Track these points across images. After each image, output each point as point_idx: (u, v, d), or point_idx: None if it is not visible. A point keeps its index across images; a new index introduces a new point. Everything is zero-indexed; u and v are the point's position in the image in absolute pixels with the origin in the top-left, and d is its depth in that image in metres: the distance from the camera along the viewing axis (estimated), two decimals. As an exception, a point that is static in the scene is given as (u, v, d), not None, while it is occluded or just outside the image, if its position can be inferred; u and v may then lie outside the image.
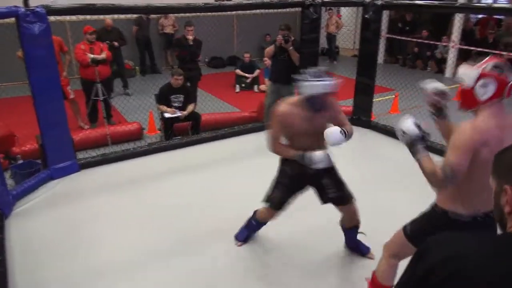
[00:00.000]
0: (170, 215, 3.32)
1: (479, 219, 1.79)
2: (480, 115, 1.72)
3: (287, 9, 6.63)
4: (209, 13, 6.41)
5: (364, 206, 3.25)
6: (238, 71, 7.94)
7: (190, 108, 5.07)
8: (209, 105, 6.31)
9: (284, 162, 2.62)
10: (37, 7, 3.41)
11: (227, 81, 8.18)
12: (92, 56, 5.25)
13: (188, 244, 2.99)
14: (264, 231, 3.01)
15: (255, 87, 7.79)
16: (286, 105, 2.47)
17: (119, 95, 6.93)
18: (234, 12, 9.42)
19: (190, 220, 3.26)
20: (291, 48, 4.95)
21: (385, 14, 9.69)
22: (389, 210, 3.36)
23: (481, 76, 1.70)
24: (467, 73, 1.76)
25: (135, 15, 8.17)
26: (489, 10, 5.68)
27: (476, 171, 1.71)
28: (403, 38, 9.95)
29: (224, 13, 8.17)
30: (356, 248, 2.87)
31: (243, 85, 7.84)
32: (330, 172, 2.62)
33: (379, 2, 4.75)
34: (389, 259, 2.11)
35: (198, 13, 5.53)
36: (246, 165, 4.20)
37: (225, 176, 3.98)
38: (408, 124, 1.88)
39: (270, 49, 5.13)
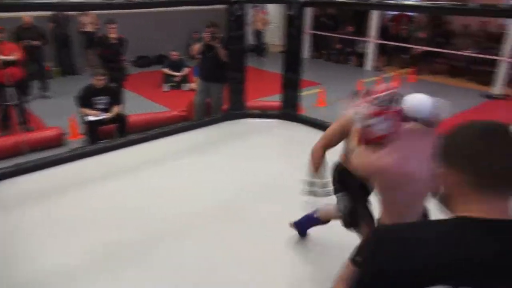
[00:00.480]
0: (100, 221, 3.16)
1: None
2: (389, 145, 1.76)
3: (214, 6, 6.60)
4: (130, 10, 6.15)
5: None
6: (166, 70, 7.75)
7: (115, 109, 4.84)
8: (137, 105, 6.09)
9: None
10: None
11: (155, 80, 7.94)
12: (1, 57, 4.81)
13: (134, 247, 2.87)
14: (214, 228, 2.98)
15: (184, 86, 7.66)
16: None
17: (37, 99, 6.44)
18: (159, 9, 9.16)
19: (127, 224, 3.12)
20: (218, 45, 4.94)
21: (309, 11, 10.03)
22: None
23: (371, 116, 1.75)
24: (359, 113, 1.81)
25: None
26: (402, 7, 6.10)
27: (389, 194, 1.81)
28: (327, 34, 10.39)
29: (147, 10, 7.90)
30: (303, 227, 2.89)
31: (172, 84, 7.66)
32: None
33: (301, -1, 4.89)
34: None
35: (120, 10, 5.28)
36: (177, 165, 4.13)
37: (158, 176, 3.88)
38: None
39: (197, 47, 5.09)
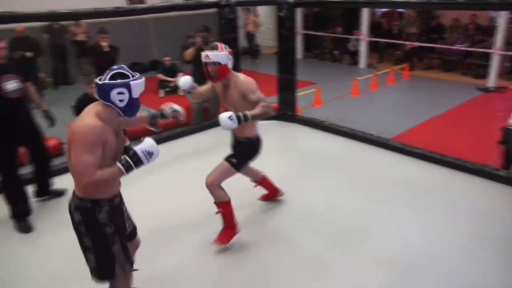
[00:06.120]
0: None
1: None
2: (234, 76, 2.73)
3: (205, 10, 6.60)
4: (120, 18, 6.15)
5: (291, 197, 3.37)
6: (160, 76, 7.74)
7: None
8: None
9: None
10: None
11: (150, 86, 7.89)
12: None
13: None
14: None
15: (180, 91, 7.65)
16: None
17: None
18: (150, 16, 9.16)
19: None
20: (212, 49, 4.93)
21: (299, 11, 10.07)
22: (316, 198, 3.51)
23: (229, 53, 2.67)
24: (219, 55, 2.63)
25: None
26: (393, 3, 6.12)
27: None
28: (318, 33, 10.42)
29: (140, 16, 7.90)
30: None
31: (167, 89, 7.66)
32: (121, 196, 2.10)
33: (292, 0, 4.90)
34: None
35: (111, 18, 5.28)
36: (179, 170, 4.12)
37: (160, 182, 3.87)
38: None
39: (190, 52, 5.07)
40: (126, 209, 2.11)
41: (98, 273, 1.94)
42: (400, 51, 9.80)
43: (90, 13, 4.20)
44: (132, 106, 1.88)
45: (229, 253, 2.86)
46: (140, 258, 2.33)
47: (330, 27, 10.49)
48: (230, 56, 2.66)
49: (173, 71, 7.76)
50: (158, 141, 4.80)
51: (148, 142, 1.85)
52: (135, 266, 2.17)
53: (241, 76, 2.74)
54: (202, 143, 4.80)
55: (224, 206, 2.78)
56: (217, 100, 5.32)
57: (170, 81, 7.67)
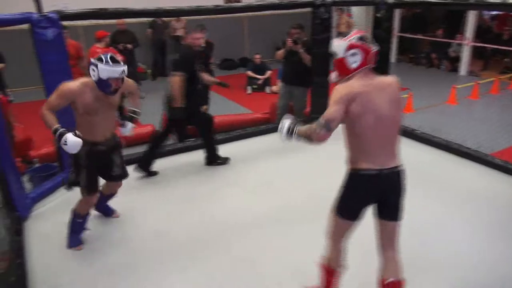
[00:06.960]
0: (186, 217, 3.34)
1: (384, 172, 2.00)
2: (352, 80, 1.98)
3: (299, 10, 6.62)
4: (219, 15, 6.45)
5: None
6: (250, 73, 7.94)
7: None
8: (221, 107, 6.33)
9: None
10: (50, 12, 3.47)
11: (239, 82, 8.18)
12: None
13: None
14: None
15: (267, 88, 7.79)
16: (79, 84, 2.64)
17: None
18: (244, 14, 9.44)
19: (214, 217, 3.27)
20: (301, 50, 4.93)
21: (397, 12, 9.60)
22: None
23: (350, 47, 1.97)
24: (338, 45, 2.01)
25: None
26: (503, 6, 5.56)
27: (357, 127, 1.94)
28: (416, 36, 9.83)
29: (234, 14, 8.20)
30: (105, 210, 3.33)
31: (254, 86, 7.84)
32: (118, 149, 2.97)
33: (391, 0, 4.70)
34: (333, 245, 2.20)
35: (208, 15, 5.56)
36: (261, 166, 4.21)
37: (240, 176, 3.99)
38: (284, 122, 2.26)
39: (281, 52, 5.12)
40: (118, 159, 2.96)
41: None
42: (510, 58, 8.85)
43: (193, 10, 4.46)
44: (101, 83, 2.57)
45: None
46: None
47: (430, 30, 9.84)
48: (355, 51, 1.96)
49: (262, 69, 7.92)
50: (242, 136, 4.96)
51: (71, 137, 2.44)
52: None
53: (351, 82, 2.00)
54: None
55: (326, 271, 2.24)
56: (303, 98, 5.36)
57: (259, 79, 7.83)
